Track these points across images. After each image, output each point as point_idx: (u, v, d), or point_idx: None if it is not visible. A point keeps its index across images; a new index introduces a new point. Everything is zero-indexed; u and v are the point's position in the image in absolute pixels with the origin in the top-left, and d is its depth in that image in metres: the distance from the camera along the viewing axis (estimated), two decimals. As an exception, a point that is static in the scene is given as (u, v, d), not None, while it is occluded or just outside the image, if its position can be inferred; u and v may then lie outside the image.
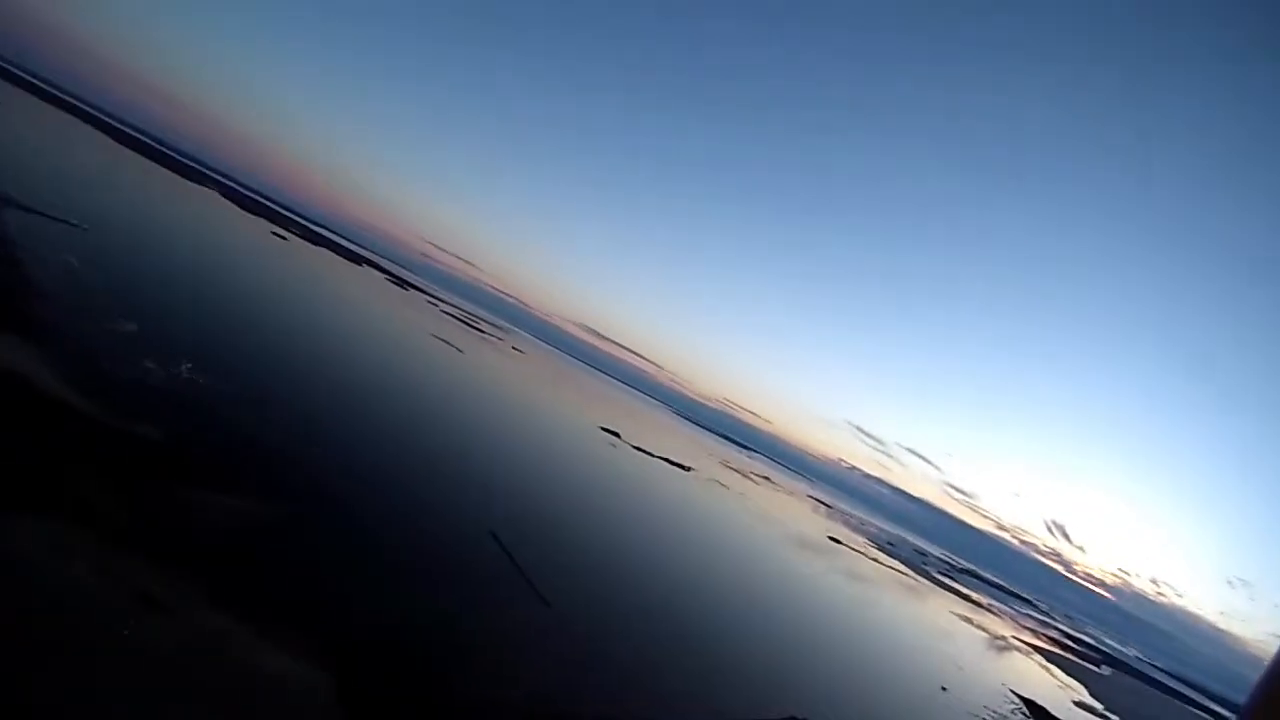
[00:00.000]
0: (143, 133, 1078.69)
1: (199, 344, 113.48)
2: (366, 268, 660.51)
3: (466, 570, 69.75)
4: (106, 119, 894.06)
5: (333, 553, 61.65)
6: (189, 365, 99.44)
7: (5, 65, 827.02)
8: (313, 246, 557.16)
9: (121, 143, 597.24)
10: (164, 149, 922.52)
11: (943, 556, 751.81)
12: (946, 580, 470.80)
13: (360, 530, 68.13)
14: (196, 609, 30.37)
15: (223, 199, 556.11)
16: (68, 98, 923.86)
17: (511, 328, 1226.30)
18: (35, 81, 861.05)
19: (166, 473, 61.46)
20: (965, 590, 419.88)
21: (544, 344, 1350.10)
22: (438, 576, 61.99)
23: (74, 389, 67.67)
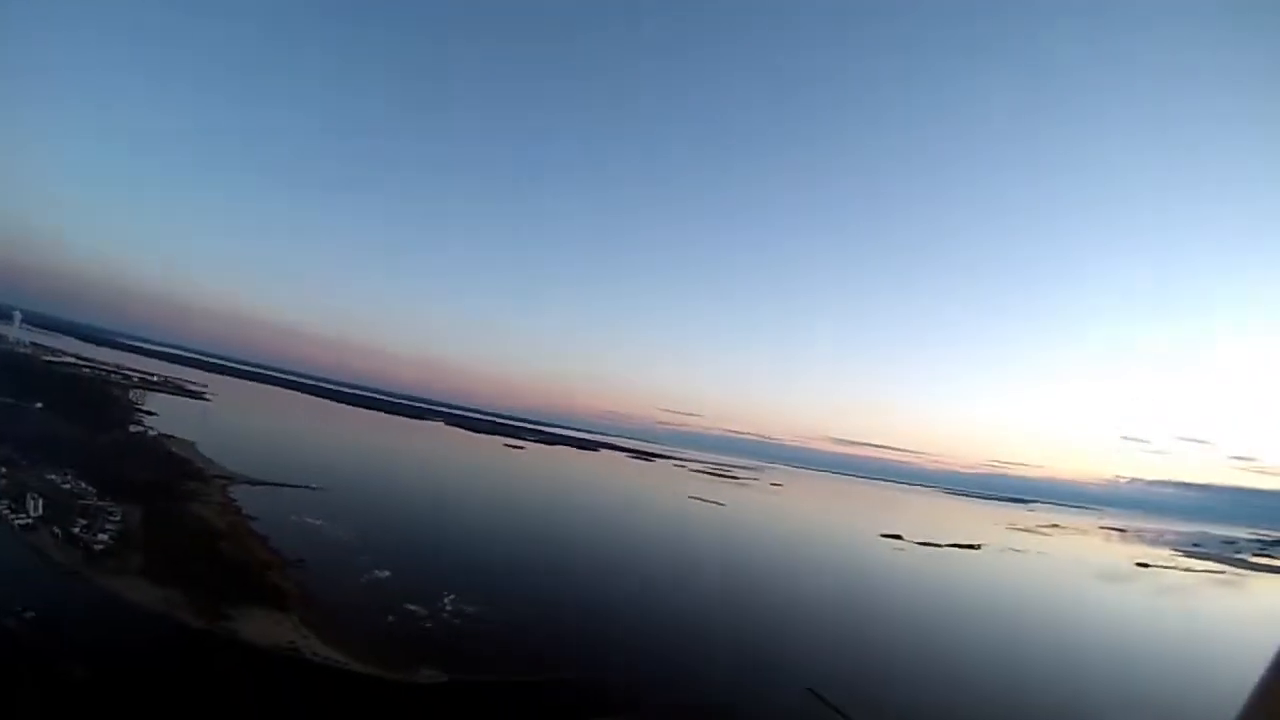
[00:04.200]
0: (356, 387, 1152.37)
1: (456, 575, 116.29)
2: (605, 451, 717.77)
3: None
4: (318, 384, 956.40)
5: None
6: (451, 598, 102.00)
7: (212, 358, 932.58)
8: (549, 447, 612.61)
9: (340, 401, 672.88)
10: (384, 397, 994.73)
11: (1251, 536, 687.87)
12: (1264, 560, 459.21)
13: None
14: None
15: (449, 427, 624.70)
16: (275, 373, 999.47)
17: (761, 464, 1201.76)
18: (241, 366, 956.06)
19: (454, 717, 72.79)
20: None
21: (797, 469, 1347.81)
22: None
23: (342, 649, 79.15)
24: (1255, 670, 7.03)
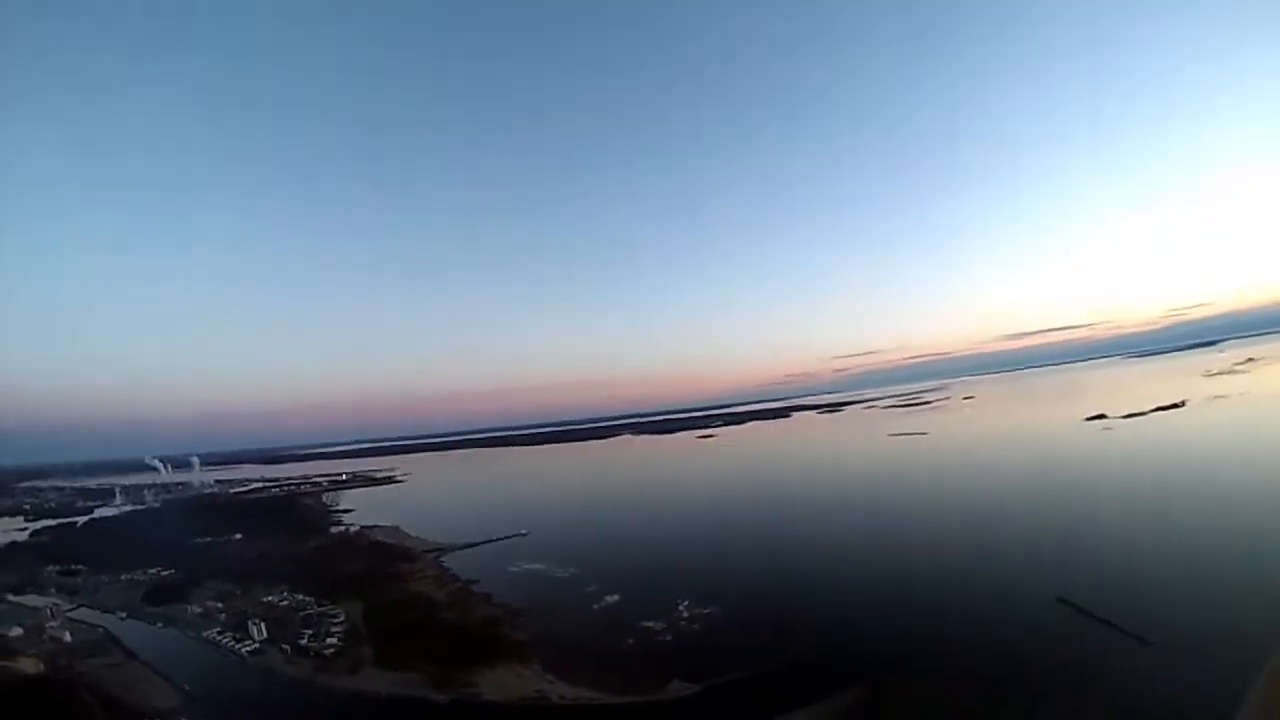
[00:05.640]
0: (536, 427, 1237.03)
1: (684, 581, 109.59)
2: (795, 415, 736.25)
3: (1051, 647, 76.12)
4: (499, 435, 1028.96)
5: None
6: (685, 604, 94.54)
7: (393, 442, 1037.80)
8: (739, 427, 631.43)
9: (525, 444, 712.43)
10: (565, 428, 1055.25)
11: None
12: None
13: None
14: None
15: (636, 436, 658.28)
16: (456, 437, 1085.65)
17: (946, 382, 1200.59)
18: (423, 441, 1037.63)
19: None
20: None
21: (980, 377, 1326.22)
22: (1022, 670, 70.53)
23: (588, 684, 73.92)
24: None
